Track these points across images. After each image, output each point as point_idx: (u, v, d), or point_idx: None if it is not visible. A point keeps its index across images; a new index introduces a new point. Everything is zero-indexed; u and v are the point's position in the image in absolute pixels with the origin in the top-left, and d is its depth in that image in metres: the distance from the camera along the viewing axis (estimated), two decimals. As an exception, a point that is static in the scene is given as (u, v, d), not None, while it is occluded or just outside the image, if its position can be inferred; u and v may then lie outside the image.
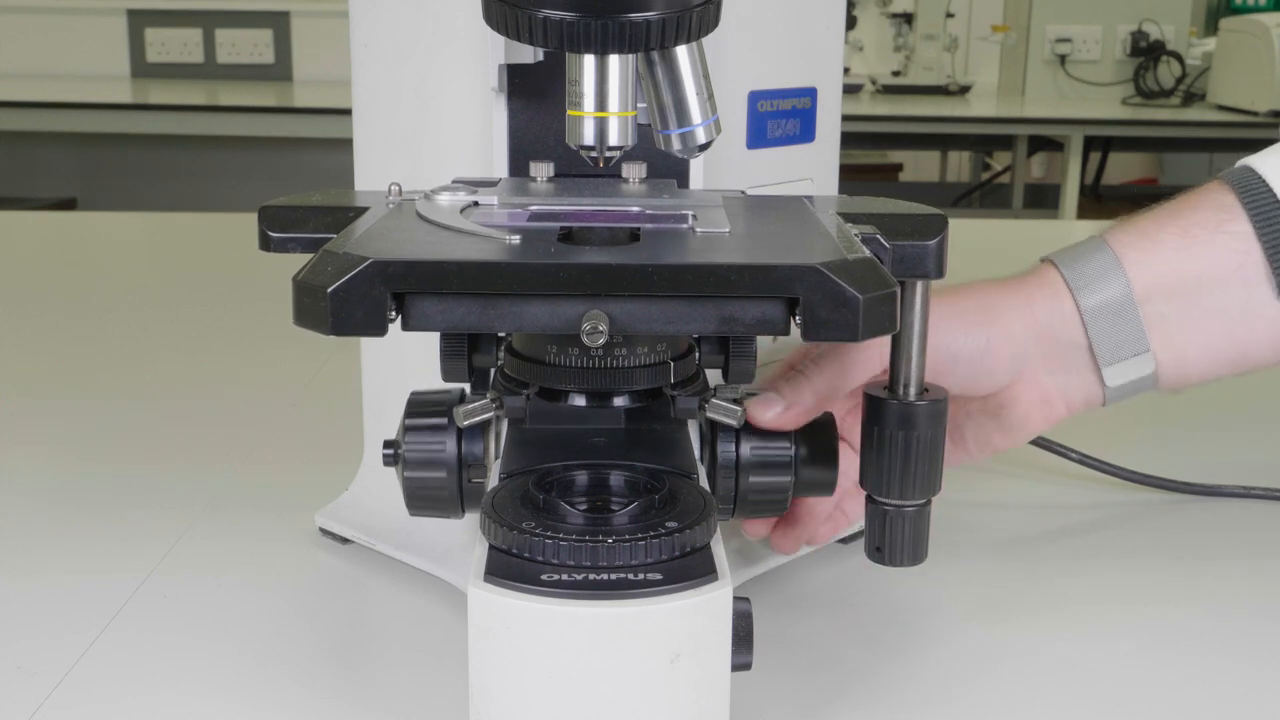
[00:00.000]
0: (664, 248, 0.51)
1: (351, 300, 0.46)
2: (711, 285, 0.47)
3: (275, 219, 0.56)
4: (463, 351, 0.60)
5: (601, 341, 0.47)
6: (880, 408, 0.58)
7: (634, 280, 0.47)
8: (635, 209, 0.56)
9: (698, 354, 0.60)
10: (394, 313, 0.48)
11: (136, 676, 0.63)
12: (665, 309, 0.48)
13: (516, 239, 0.50)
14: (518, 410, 0.58)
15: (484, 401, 0.57)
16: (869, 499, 0.60)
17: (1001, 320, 0.68)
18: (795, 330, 0.48)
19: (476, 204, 0.57)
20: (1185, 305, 0.69)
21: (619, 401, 0.59)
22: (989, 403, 0.70)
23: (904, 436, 0.58)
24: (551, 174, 0.60)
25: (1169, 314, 0.69)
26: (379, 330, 0.47)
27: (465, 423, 0.57)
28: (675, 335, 0.57)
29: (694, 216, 0.55)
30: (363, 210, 0.57)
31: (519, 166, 0.64)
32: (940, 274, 0.55)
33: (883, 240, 0.53)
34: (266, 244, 0.55)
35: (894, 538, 0.60)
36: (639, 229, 0.54)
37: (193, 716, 0.59)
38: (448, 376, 0.60)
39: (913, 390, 0.58)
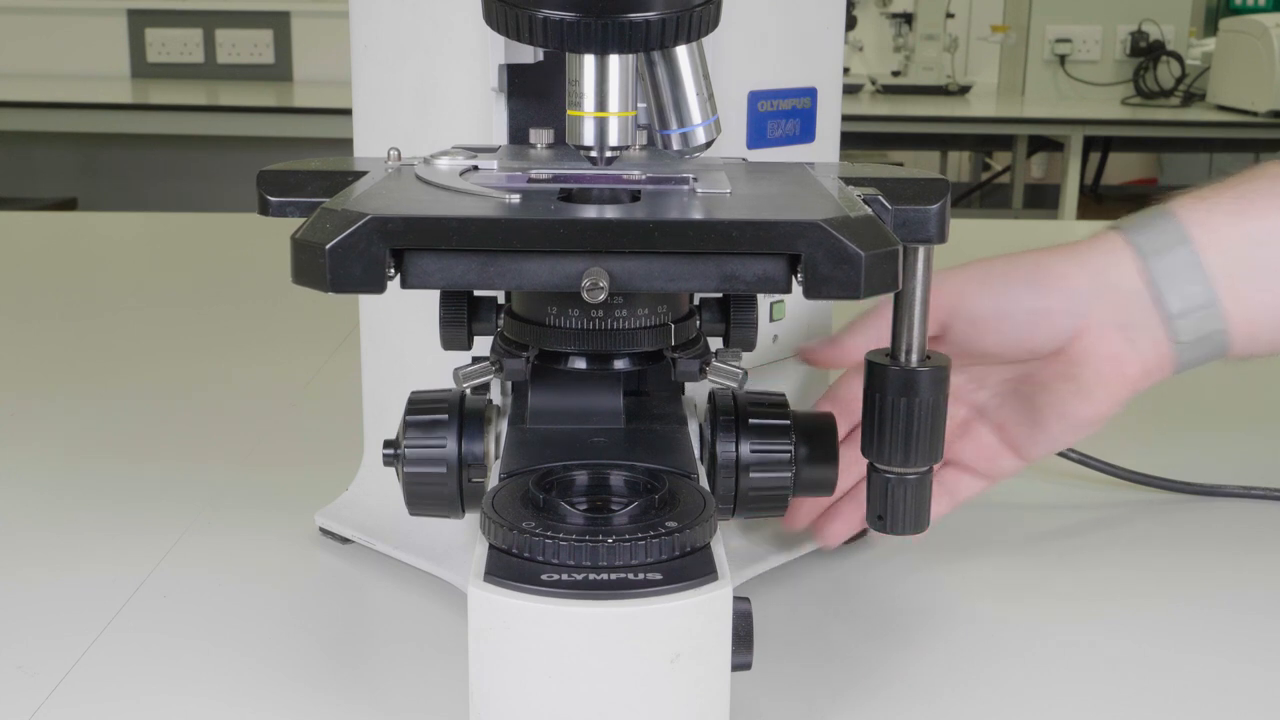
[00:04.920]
0: (665, 206, 0.51)
1: (350, 257, 0.46)
2: (713, 242, 0.47)
3: (274, 183, 0.56)
4: (462, 319, 0.60)
5: (602, 298, 0.47)
6: (882, 374, 0.58)
7: (635, 236, 0.47)
8: (636, 172, 0.56)
9: (698, 319, 0.60)
10: (393, 270, 0.48)
11: (136, 676, 0.63)
12: (666, 266, 0.48)
13: (516, 198, 0.50)
14: (518, 372, 0.58)
15: (484, 364, 0.57)
16: (871, 467, 0.60)
17: (1054, 272, 0.67)
18: (798, 289, 0.47)
19: (476, 168, 0.57)
20: (1249, 262, 0.68)
21: (619, 364, 0.58)
22: (1059, 365, 0.68)
23: (906, 403, 0.58)
24: (551, 141, 0.60)
25: (1234, 270, 0.68)
26: (378, 287, 0.47)
27: (465, 385, 0.57)
28: (676, 293, 0.57)
29: (694, 179, 0.55)
30: (361, 174, 0.57)
31: (518, 166, 0.64)
32: (942, 239, 0.55)
33: (885, 202, 0.53)
34: (265, 208, 0.55)
35: (895, 506, 0.60)
36: (640, 190, 0.54)
37: (193, 716, 0.59)
38: (448, 344, 0.60)
39: (914, 357, 0.58)
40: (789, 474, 0.59)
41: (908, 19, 4.14)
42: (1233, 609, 0.71)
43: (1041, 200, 4.39)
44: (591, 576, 0.48)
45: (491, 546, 0.50)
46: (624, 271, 0.48)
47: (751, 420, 0.59)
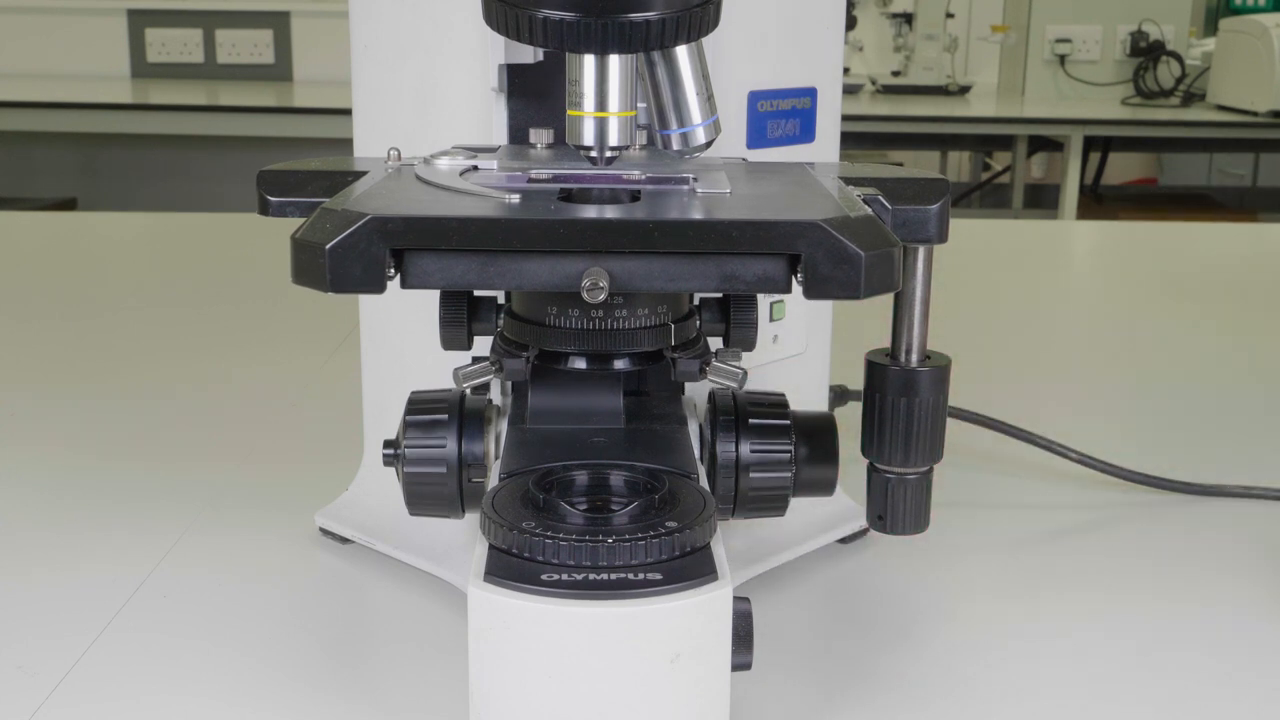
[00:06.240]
0: (665, 206, 0.51)
1: (350, 257, 0.46)
2: (713, 242, 0.47)
3: (274, 183, 0.56)
4: (462, 319, 0.60)
5: (602, 298, 0.47)
6: (882, 375, 0.58)
7: (635, 236, 0.47)
8: (636, 172, 0.56)
9: (698, 319, 0.60)
10: (393, 270, 0.48)
11: (136, 676, 0.63)
12: (666, 266, 0.48)
13: (516, 198, 0.50)
14: (518, 372, 0.58)
15: (484, 364, 0.57)
16: (871, 467, 0.60)
17: None
18: (798, 289, 0.48)
19: (476, 168, 0.57)
20: None
21: (619, 364, 0.58)
22: None
23: (906, 404, 0.58)
24: (551, 141, 0.60)
25: None
26: (378, 287, 0.47)
27: (465, 385, 0.57)
28: (676, 293, 0.57)
29: (694, 179, 0.55)
30: (361, 174, 0.57)
31: (518, 166, 0.64)
32: (943, 239, 0.55)
33: (884, 202, 0.53)
34: (265, 208, 0.55)
35: (896, 506, 0.60)
36: (640, 190, 0.54)
37: (193, 717, 0.59)
38: (448, 344, 0.60)
39: (915, 357, 0.58)
40: (789, 474, 0.59)
41: (908, 19, 4.13)
42: (1233, 609, 0.71)
43: (1041, 200, 4.39)
44: (591, 576, 0.48)
45: (491, 546, 0.50)
46: (624, 271, 0.48)
47: (751, 420, 0.59)
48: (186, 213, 2.04)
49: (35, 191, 4.15)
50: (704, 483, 0.56)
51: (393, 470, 0.60)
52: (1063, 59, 3.99)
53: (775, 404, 0.60)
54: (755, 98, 0.70)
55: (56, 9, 4.07)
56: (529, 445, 0.57)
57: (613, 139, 0.55)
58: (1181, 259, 1.75)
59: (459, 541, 0.71)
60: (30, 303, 1.40)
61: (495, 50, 0.63)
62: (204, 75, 4.12)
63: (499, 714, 0.49)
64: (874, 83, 4.15)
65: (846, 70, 3.71)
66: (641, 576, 0.48)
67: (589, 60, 0.54)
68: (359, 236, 0.46)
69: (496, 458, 0.59)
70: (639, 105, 0.59)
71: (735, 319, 0.61)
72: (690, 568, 0.49)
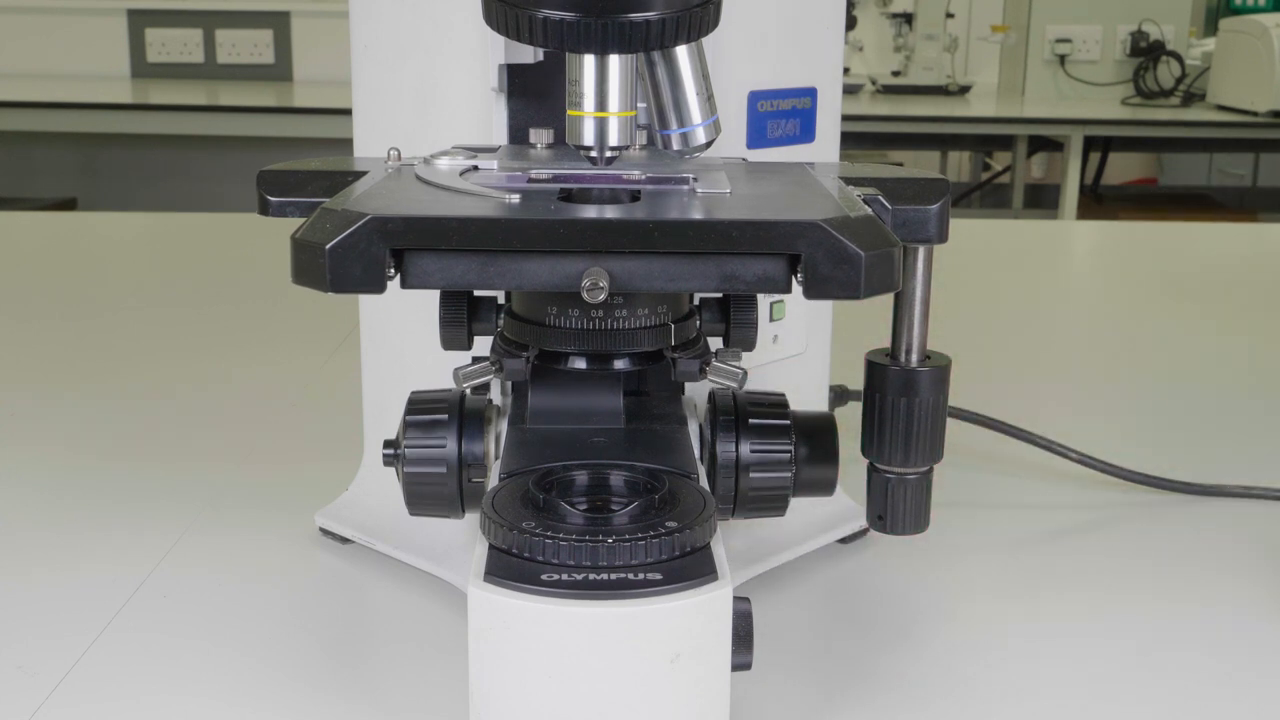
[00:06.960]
0: (665, 206, 0.51)
1: (350, 257, 0.46)
2: (713, 242, 0.47)
3: (274, 183, 0.56)
4: (462, 319, 0.60)
5: (602, 298, 0.47)
6: (882, 375, 0.58)
7: (635, 236, 0.47)
8: (636, 172, 0.56)
9: (698, 319, 0.60)
10: (393, 270, 0.48)
11: (136, 676, 0.63)
12: (666, 266, 0.48)
13: (516, 198, 0.50)
14: (518, 372, 0.58)
15: (484, 364, 0.57)
16: (871, 467, 0.60)
17: None
18: (798, 289, 0.48)
19: (476, 168, 0.57)
20: None
21: (619, 364, 0.58)
22: None
23: (906, 404, 0.58)
24: (551, 141, 0.60)
25: None
26: (378, 287, 0.47)
27: (465, 385, 0.57)
28: (676, 293, 0.57)
29: (694, 179, 0.55)
30: (361, 174, 0.57)
31: (518, 166, 0.64)
32: (942, 239, 0.55)
33: (884, 202, 0.54)
34: (265, 208, 0.55)
35: (896, 506, 0.60)
36: (640, 190, 0.54)
37: (193, 717, 0.59)
38: (448, 344, 0.60)
39: (915, 357, 0.58)
40: (789, 474, 0.59)
41: (908, 19, 4.14)
42: (1233, 609, 0.71)
43: (1041, 200, 4.39)
44: (591, 576, 0.48)
45: (491, 546, 0.50)
46: (624, 271, 0.48)
47: (751, 420, 0.59)
48: (186, 213, 2.04)
49: (35, 191, 4.15)
50: (704, 483, 0.56)
51: (393, 470, 0.60)
52: (1063, 59, 3.99)
53: (775, 404, 0.60)
54: (755, 98, 0.70)
55: (56, 9, 4.07)
56: (529, 445, 0.57)
57: (613, 139, 0.55)
58: (1181, 259, 1.75)
59: (459, 541, 0.71)
60: (30, 303, 1.40)
61: (495, 50, 0.63)
62: (204, 75, 4.12)
63: (499, 714, 0.49)
64: (874, 83, 4.15)
65: (846, 70, 3.71)
66: (641, 576, 0.48)
67: (589, 60, 0.54)
68: (359, 236, 0.46)
69: (496, 458, 0.59)
70: (639, 105, 0.59)
71: (735, 319, 0.61)
72: (690, 568, 0.49)
